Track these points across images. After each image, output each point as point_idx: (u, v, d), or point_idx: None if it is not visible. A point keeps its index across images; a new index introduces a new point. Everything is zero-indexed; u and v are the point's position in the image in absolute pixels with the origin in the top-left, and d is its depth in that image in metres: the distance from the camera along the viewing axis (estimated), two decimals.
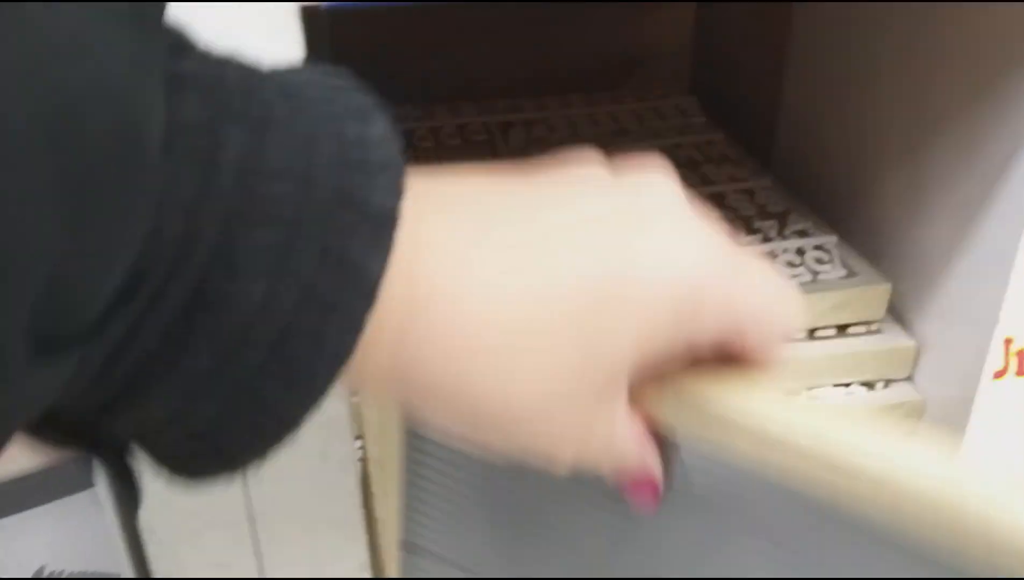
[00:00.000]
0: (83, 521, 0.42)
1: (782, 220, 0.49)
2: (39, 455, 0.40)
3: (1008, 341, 0.46)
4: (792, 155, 0.60)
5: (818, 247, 0.47)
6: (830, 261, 0.46)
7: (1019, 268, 0.41)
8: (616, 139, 0.59)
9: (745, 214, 0.50)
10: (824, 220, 0.49)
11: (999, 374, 0.49)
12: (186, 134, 0.17)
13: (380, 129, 0.20)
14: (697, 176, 0.54)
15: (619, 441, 0.23)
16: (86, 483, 0.41)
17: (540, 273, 0.21)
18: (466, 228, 0.21)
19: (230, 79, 0.19)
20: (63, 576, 0.43)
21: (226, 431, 0.20)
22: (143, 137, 0.17)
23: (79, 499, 0.41)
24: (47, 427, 0.21)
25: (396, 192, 0.20)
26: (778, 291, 0.24)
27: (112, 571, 0.44)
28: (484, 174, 0.23)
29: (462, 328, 0.21)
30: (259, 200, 0.19)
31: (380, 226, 0.20)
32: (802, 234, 0.48)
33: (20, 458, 0.40)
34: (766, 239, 0.48)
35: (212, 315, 0.19)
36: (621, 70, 0.78)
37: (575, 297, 0.21)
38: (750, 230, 0.49)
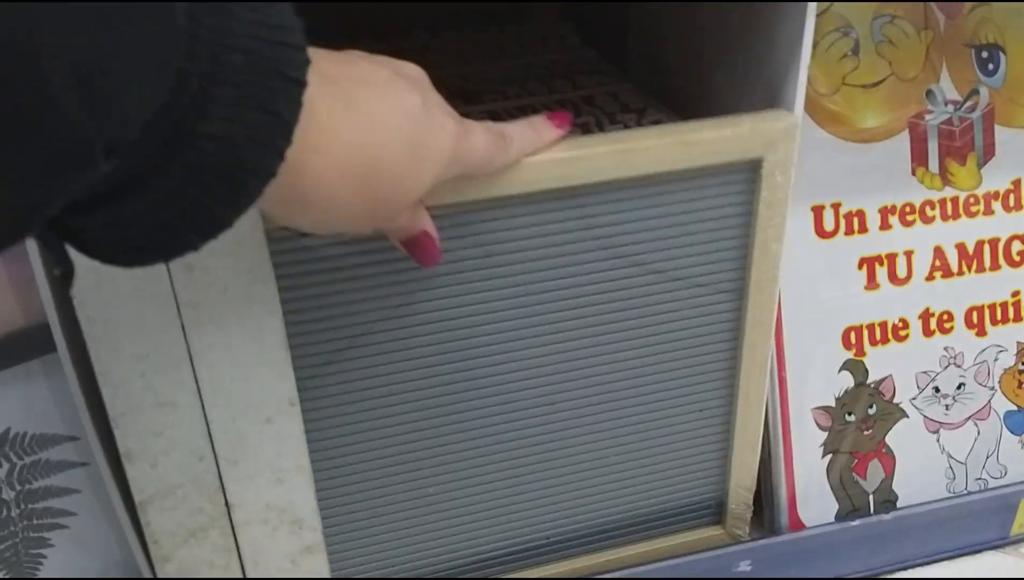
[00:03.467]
0: (45, 385, 0.48)
1: (640, 113, 0.58)
2: (9, 321, 0.46)
3: None
4: (639, 69, 0.69)
5: None
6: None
7: None
8: (500, 58, 0.66)
9: (610, 110, 0.58)
10: (673, 113, 0.58)
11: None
12: (176, 16, 0.26)
13: (292, 19, 0.29)
14: (569, 83, 0.62)
15: (417, 223, 0.40)
16: (48, 348, 0.47)
17: (365, 143, 0.33)
18: (328, 102, 0.32)
19: None
20: (27, 436, 0.49)
21: (174, 231, 0.29)
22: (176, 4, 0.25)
23: (41, 364, 0.47)
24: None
25: (305, 66, 0.29)
26: (498, 140, 0.41)
27: (71, 433, 0.50)
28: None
29: (326, 169, 0.32)
30: (222, 67, 0.27)
31: (296, 90, 0.29)
32: (656, 123, 0.56)
33: None
34: (626, 127, 0.56)
35: (183, 148, 0.27)
36: (504, 12, 0.86)
37: (386, 160, 0.34)
38: (614, 121, 0.57)
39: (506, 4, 0.85)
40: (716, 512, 0.59)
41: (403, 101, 0.35)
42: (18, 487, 0.49)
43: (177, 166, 0.27)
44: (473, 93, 0.61)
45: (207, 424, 0.45)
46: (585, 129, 0.55)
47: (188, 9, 0.26)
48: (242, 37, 0.27)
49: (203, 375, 0.44)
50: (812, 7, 0.44)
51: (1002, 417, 0.64)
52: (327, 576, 0.52)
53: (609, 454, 0.54)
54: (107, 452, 0.47)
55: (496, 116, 0.57)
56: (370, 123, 0.33)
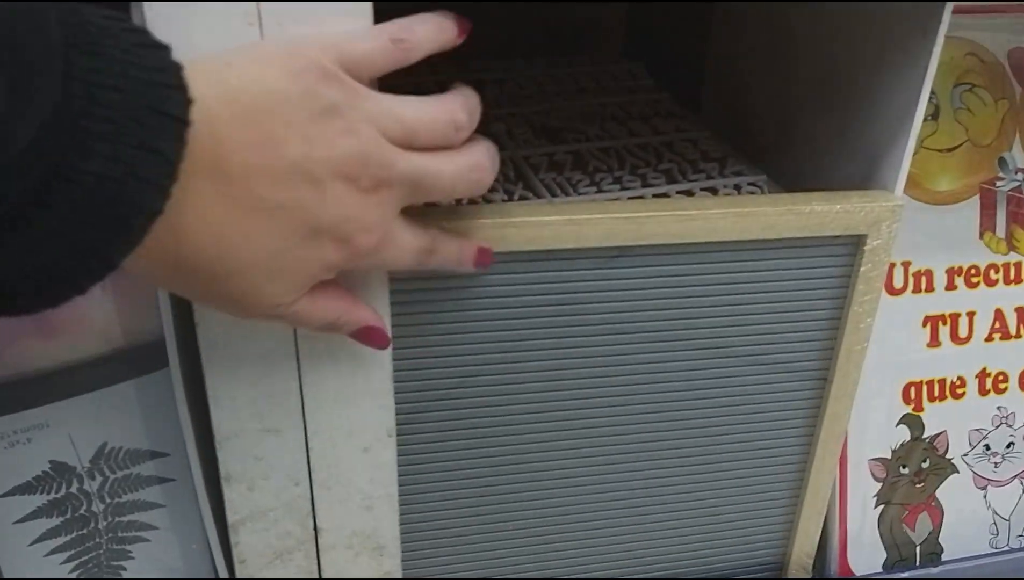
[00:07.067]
0: (137, 404, 0.49)
1: (722, 163, 0.59)
2: (112, 339, 0.47)
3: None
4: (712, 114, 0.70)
5: (751, 184, 0.57)
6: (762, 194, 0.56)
7: None
8: (578, 96, 0.68)
9: (691, 158, 0.59)
10: (753, 164, 0.59)
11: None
12: (53, 55, 0.27)
13: (168, 61, 0.30)
14: (648, 127, 0.63)
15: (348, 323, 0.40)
16: (143, 370, 0.48)
17: (244, 225, 0.33)
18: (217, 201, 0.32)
19: (79, 17, 0.28)
20: (121, 451, 0.49)
21: (60, 272, 0.29)
22: (52, 42, 0.26)
23: (135, 384, 0.48)
24: None
25: (185, 105, 0.30)
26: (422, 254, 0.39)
27: (161, 449, 0.51)
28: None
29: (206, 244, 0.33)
30: (99, 105, 0.28)
31: (176, 127, 0.29)
32: (738, 174, 0.58)
33: (92, 342, 0.47)
34: (709, 177, 0.57)
35: (65, 183, 0.27)
36: (566, 41, 0.87)
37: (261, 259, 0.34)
38: (696, 171, 0.58)
39: (567, 33, 0.86)
40: (775, 574, 0.61)
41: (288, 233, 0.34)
42: (108, 500, 0.49)
43: (60, 202, 0.27)
44: (556, 131, 0.62)
45: (307, 451, 0.46)
46: (669, 176, 0.57)
47: (63, 50, 0.27)
48: (115, 76, 0.28)
49: (310, 404, 0.45)
50: (928, 84, 0.45)
51: None
52: None
53: (682, 510, 0.55)
54: (204, 471, 0.48)
55: (580, 156, 0.58)
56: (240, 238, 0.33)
